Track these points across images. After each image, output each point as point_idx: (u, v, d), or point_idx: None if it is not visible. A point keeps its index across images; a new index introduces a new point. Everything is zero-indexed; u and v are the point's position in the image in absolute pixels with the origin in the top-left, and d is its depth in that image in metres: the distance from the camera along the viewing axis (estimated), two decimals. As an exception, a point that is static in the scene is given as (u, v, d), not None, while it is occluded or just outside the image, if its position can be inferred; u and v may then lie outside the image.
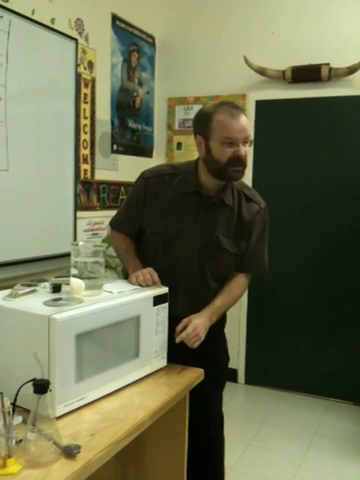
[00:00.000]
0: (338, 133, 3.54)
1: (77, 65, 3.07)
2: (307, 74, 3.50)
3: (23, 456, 1.12)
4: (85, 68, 3.20)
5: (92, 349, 1.45)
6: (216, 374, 1.92)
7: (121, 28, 3.55)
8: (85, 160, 3.26)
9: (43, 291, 1.57)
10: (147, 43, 3.88)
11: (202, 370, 1.75)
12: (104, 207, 3.46)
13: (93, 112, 3.30)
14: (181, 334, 1.74)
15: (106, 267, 2.31)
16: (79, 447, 1.17)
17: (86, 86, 3.21)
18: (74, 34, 3.06)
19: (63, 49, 2.95)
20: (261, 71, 3.60)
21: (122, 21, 3.55)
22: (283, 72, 3.54)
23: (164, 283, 1.76)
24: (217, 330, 1.94)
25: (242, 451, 2.91)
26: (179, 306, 1.81)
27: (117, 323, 1.52)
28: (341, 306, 3.60)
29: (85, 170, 3.27)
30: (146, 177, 1.91)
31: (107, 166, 3.51)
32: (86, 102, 3.22)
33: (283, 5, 3.59)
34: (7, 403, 1.14)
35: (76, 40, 3.05)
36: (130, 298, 1.59)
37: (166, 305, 1.73)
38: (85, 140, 3.24)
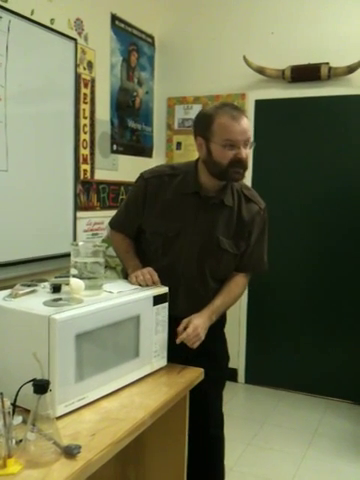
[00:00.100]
0: (338, 132, 3.54)
1: (76, 65, 3.07)
2: (306, 73, 3.50)
3: (23, 456, 1.12)
4: (84, 68, 3.20)
5: (92, 349, 1.45)
6: (216, 374, 1.92)
7: (120, 28, 3.55)
8: (85, 160, 3.26)
9: (43, 291, 1.57)
10: (146, 43, 3.88)
11: (202, 370, 1.75)
12: (104, 207, 3.46)
13: (93, 112, 3.30)
14: (182, 335, 1.74)
15: (106, 267, 2.31)
16: (79, 447, 1.17)
17: (85, 86, 3.21)
18: (73, 34, 3.06)
19: (62, 49, 2.95)
20: (260, 70, 3.60)
21: (121, 21, 3.55)
22: (282, 71, 3.54)
23: (164, 283, 1.76)
24: (217, 330, 1.94)
25: (242, 451, 2.91)
26: (179, 306, 1.82)
27: (117, 323, 1.52)
28: (341, 306, 3.60)
29: (85, 170, 3.27)
30: (145, 178, 1.91)
31: (107, 166, 3.51)
32: (86, 102, 3.22)
33: (282, 5, 3.59)
34: (7, 403, 1.14)
35: (75, 40, 3.05)
36: (130, 298, 1.60)
37: (166, 305, 1.73)
38: (85, 140, 3.24)
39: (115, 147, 3.59)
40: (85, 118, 3.23)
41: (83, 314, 1.40)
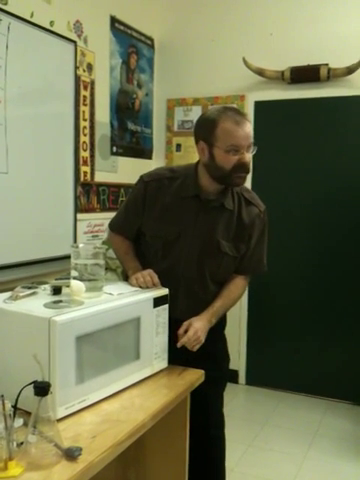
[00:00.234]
0: (337, 133, 3.54)
1: (76, 67, 3.08)
2: (306, 74, 3.50)
3: (24, 459, 1.12)
4: (84, 70, 3.20)
5: (92, 351, 1.45)
6: (216, 375, 1.92)
7: (120, 30, 3.56)
8: (85, 162, 3.26)
9: (43, 293, 1.58)
10: (146, 45, 3.89)
11: (203, 371, 1.76)
12: (104, 209, 3.46)
13: (92, 114, 3.31)
14: (182, 339, 1.75)
15: (106, 269, 2.31)
16: (80, 449, 1.17)
17: (85, 88, 3.22)
18: (73, 36, 3.07)
19: (62, 51, 2.96)
20: (260, 72, 3.60)
21: (121, 23, 3.56)
22: (282, 73, 3.54)
23: (164, 286, 1.77)
24: (217, 331, 1.94)
25: (243, 452, 2.91)
26: (178, 308, 1.82)
27: (117, 325, 1.52)
28: (341, 306, 3.60)
29: (85, 172, 3.27)
30: (145, 181, 1.91)
31: (107, 168, 3.51)
32: (85, 104, 3.23)
33: (281, 6, 3.60)
34: (8, 406, 1.15)
35: (75, 42, 3.06)
36: (130, 300, 1.60)
37: (166, 306, 1.73)
38: (85, 142, 3.25)
39: (115, 149, 3.59)
40: (85, 120, 3.23)
41: (84, 316, 1.40)
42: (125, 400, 1.50)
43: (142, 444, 1.73)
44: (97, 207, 3.41)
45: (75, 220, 3.14)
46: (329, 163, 3.58)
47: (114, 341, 1.53)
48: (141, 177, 1.95)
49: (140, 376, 1.64)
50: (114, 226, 2.05)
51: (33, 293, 1.56)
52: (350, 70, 3.38)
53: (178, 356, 1.77)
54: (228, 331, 2.07)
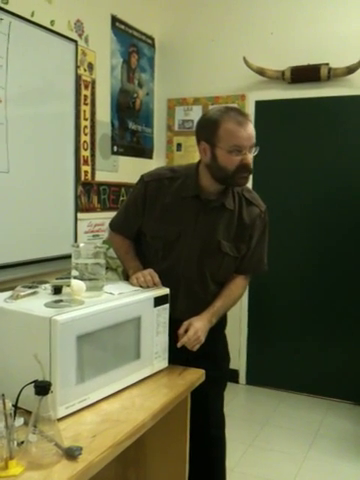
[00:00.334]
0: (338, 133, 3.54)
1: (77, 67, 3.08)
2: (306, 74, 3.50)
3: (25, 458, 1.12)
4: (85, 70, 3.20)
5: (93, 350, 1.45)
6: (217, 375, 1.92)
7: (121, 29, 3.56)
8: (85, 162, 3.26)
9: (44, 293, 1.58)
10: (147, 44, 3.89)
11: (203, 371, 1.76)
12: (104, 208, 3.46)
13: (93, 114, 3.31)
14: (182, 339, 1.74)
15: (107, 268, 2.31)
16: (80, 449, 1.17)
17: (86, 88, 3.22)
18: (74, 36, 3.07)
19: (63, 51, 2.96)
20: (260, 71, 3.60)
21: (122, 22, 3.56)
22: (282, 72, 3.54)
23: (164, 285, 1.76)
24: (217, 331, 1.94)
25: (243, 452, 2.91)
26: (179, 308, 1.82)
27: (118, 324, 1.52)
28: (342, 306, 3.60)
29: (85, 171, 3.27)
30: (145, 181, 1.91)
31: (107, 167, 3.51)
32: (86, 104, 3.23)
33: (282, 5, 3.59)
34: (9, 405, 1.15)
35: (76, 42, 3.06)
36: (131, 299, 1.60)
37: (167, 306, 1.73)
38: (85, 141, 3.25)
39: (115, 148, 3.59)
40: (86, 120, 3.23)
41: (84, 315, 1.40)
42: (125, 400, 1.50)
43: (142, 444, 1.73)
44: (98, 207, 3.41)
45: (76, 219, 3.14)
46: (329, 163, 3.57)
47: (114, 341, 1.53)
48: (142, 177, 1.94)
49: (140, 376, 1.64)
50: (114, 226, 2.05)
51: (34, 292, 1.56)
52: (350, 70, 3.38)
53: (178, 356, 1.77)
54: (228, 331, 2.07)
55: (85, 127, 3.24)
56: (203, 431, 1.94)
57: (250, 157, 1.74)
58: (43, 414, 1.14)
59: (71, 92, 3.04)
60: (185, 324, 1.78)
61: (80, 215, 3.19)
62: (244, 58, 3.59)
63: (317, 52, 3.46)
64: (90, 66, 3.25)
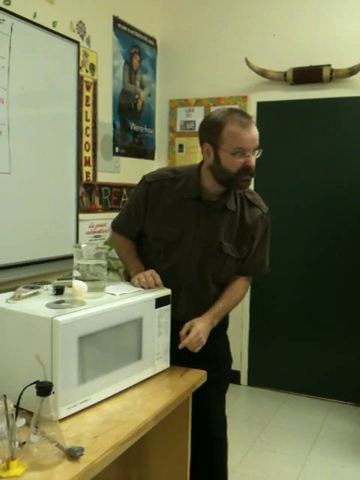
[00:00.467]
0: (340, 134, 3.54)
1: (79, 68, 3.08)
2: (308, 75, 3.50)
3: (26, 458, 1.12)
4: (87, 71, 3.20)
5: (95, 351, 1.45)
6: (218, 376, 1.92)
7: (122, 31, 3.56)
8: (87, 162, 3.27)
9: (46, 293, 1.58)
10: (148, 45, 3.89)
11: (205, 372, 1.75)
12: (106, 209, 3.47)
13: (95, 115, 3.31)
14: (184, 340, 1.74)
15: (108, 269, 2.30)
16: (82, 449, 1.17)
17: (88, 89, 3.22)
18: (76, 37, 3.07)
19: (65, 52, 2.96)
20: (262, 73, 3.60)
21: (123, 24, 3.56)
22: (284, 73, 3.54)
23: (165, 287, 1.76)
24: (219, 332, 1.94)
25: (244, 453, 2.91)
26: (180, 310, 1.82)
27: (119, 325, 1.52)
28: (343, 308, 3.60)
29: (87, 172, 3.27)
30: (147, 182, 1.90)
31: (109, 168, 3.51)
32: (88, 105, 3.23)
33: (284, 6, 3.60)
34: (10, 405, 1.15)
35: (78, 43, 3.06)
36: (132, 300, 1.60)
37: (168, 307, 1.73)
38: (87, 142, 3.25)
39: (117, 149, 3.59)
40: (87, 121, 3.24)
41: (86, 316, 1.40)
42: (127, 400, 1.50)
43: (144, 445, 1.73)
44: (99, 207, 3.41)
45: (77, 220, 3.14)
46: (331, 164, 3.57)
47: (116, 341, 1.53)
48: (143, 177, 1.94)
49: (142, 376, 1.64)
50: (116, 226, 2.05)
51: (35, 293, 1.56)
52: (353, 71, 3.37)
53: (180, 357, 1.77)
54: (230, 332, 2.07)
55: (87, 128, 3.24)
56: (205, 433, 1.94)
57: (253, 160, 1.74)
58: (45, 415, 1.14)
59: (73, 93, 3.05)
60: (186, 325, 1.78)
61: (82, 216, 3.20)
62: (246, 59, 3.59)
63: (319, 53, 3.46)
64: (92, 67, 3.25)
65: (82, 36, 3.14)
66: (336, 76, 3.42)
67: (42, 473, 1.10)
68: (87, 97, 3.22)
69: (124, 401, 1.50)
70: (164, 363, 1.74)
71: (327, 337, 3.64)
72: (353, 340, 3.56)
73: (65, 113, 3.01)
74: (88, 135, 3.26)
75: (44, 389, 1.15)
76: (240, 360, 3.82)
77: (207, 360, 1.82)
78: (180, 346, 1.75)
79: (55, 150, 2.93)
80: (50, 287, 1.61)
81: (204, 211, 1.85)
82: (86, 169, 3.26)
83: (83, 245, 1.69)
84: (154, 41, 3.95)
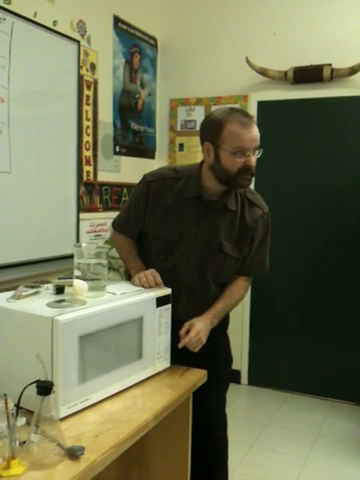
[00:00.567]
0: (340, 133, 3.54)
1: (79, 67, 3.08)
2: (309, 75, 3.50)
3: (27, 458, 1.12)
4: (87, 70, 3.20)
5: (95, 350, 1.45)
6: (218, 376, 1.92)
7: (123, 30, 3.56)
8: (88, 162, 3.27)
9: (46, 293, 1.58)
10: (149, 45, 3.89)
11: (205, 372, 1.75)
12: (107, 209, 3.46)
13: (95, 114, 3.31)
14: (184, 340, 1.74)
15: (109, 268, 2.31)
16: (83, 448, 1.17)
17: (88, 88, 3.22)
18: (76, 36, 3.07)
19: (65, 51, 2.96)
20: (263, 72, 3.60)
21: (124, 23, 3.56)
22: (285, 73, 3.54)
23: (165, 286, 1.76)
24: (219, 332, 1.94)
25: (245, 452, 2.91)
26: (180, 309, 1.82)
27: (120, 324, 1.52)
28: (343, 307, 3.60)
29: (88, 172, 3.27)
30: (148, 181, 1.90)
31: (109, 168, 3.51)
32: (88, 104, 3.23)
33: (284, 6, 3.59)
34: (11, 405, 1.15)
35: (78, 42, 3.06)
36: (133, 299, 1.60)
37: (169, 306, 1.73)
38: (87, 142, 3.25)
39: (118, 149, 3.59)
40: (88, 120, 3.24)
41: (86, 315, 1.40)
42: (127, 400, 1.50)
43: (144, 444, 1.73)
44: (100, 207, 3.41)
45: (78, 219, 3.14)
46: (332, 163, 3.57)
47: (117, 341, 1.53)
48: (144, 177, 1.94)
49: (142, 376, 1.64)
50: (117, 225, 2.05)
51: (36, 292, 1.56)
52: (353, 70, 3.37)
53: (180, 357, 1.77)
54: (230, 331, 2.07)
55: (87, 127, 3.24)
56: (205, 432, 1.94)
57: (253, 159, 1.73)
58: (45, 414, 1.14)
59: (73, 92, 3.05)
60: (186, 325, 1.78)
61: (82, 215, 3.19)
62: (246, 58, 3.59)
63: (320, 52, 3.46)
64: (92, 66, 3.25)
65: (82, 35, 3.14)
66: (337, 75, 3.42)
67: (43, 472, 1.10)
68: (87, 96, 3.22)
69: (124, 400, 1.50)
70: (164, 362, 1.74)
71: (327, 337, 3.64)
72: (353, 340, 3.56)
73: (65, 112, 3.00)
74: (88, 134, 3.25)
75: (44, 388, 1.15)
76: (240, 359, 3.82)
77: (207, 360, 1.83)
78: (180, 345, 1.74)
79: (55, 149, 2.93)
80: (51, 286, 1.61)
81: (204, 211, 1.85)
82: (86, 168, 3.26)
83: (84, 244, 1.69)
84: (154, 40, 3.95)
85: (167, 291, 1.73)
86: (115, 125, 3.55)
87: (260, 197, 1.95)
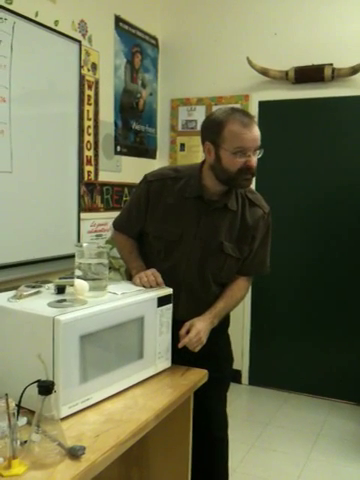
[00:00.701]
0: (342, 133, 3.54)
1: (81, 67, 3.08)
2: (310, 74, 3.50)
3: (28, 457, 1.13)
4: (88, 70, 3.20)
5: (96, 350, 1.45)
6: (218, 376, 1.92)
7: (124, 30, 3.56)
8: (89, 162, 3.27)
9: (47, 292, 1.58)
10: (150, 44, 3.89)
11: (206, 371, 1.75)
12: (108, 208, 3.47)
13: (96, 114, 3.31)
14: (184, 340, 1.74)
15: (110, 268, 2.31)
16: (84, 448, 1.17)
17: (89, 88, 3.22)
18: (77, 36, 3.07)
19: (66, 51, 2.96)
20: (264, 72, 3.60)
21: (125, 23, 3.56)
22: (286, 73, 3.54)
23: (166, 286, 1.76)
24: (220, 332, 1.94)
25: (245, 452, 2.91)
26: (180, 309, 1.82)
27: (121, 324, 1.53)
28: (344, 307, 3.60)
29: (89, 171, 3.27)
30: (149, 180, 1.90)
31: (110, 167, 3.51)
32: (89, 104, 3.23)
33: (286, 5, 3.59)
34: (12, 404, 1.15)
35: (79, 42, 3.06)
36: (134, 299, 1.60)
37: (170, 306, 1.73)
38: (89, 142, 3.25)
39: (119, 148, 3.59)
40: (89, 120, 3.24)
41: (87, 315, 1.40)
42: (128, 399, 1.50)
43: (145, 444, 1.74)
44: (101, 206, 3.41)
45: (79, 219, 3.14)
46: (333, 163, 3.57)
47: (117, 340, 1.53)
48: (145, 176, 1.94)
49: (143, 375, 1.64)
50: (118, 225, 2.05)
51: (37, 292, 1.56)
52: (354, 70, 3.37)
53: (180, 356, 1.77)
54: (231, 331, 2.07)
55: (88, 127, 3.24)
56: (206, 432, 1.94)
57: (254, 160, 1.73)
58: (46, 414, 1.14)
59: (74, 92, 3.05)
60: (187, 325, 1.78)
61: (83, 215, 3.20)
62: (248, 58, 3.59)
63: (321, 52, 3.46)
64: (94, 66, 3.25)
65: (84, 35, 3.14)
66: (338, 75, 3.42)
67: (43, 472, 1.10)
68: (89, 96, 3.22)
69: (125, 400, 1.50)
70: (165, 362, 1.74)
71: (327, 337, 3.64)
72: (353, 340, 3.56)
73: (67, 112, 3.00)
74: (90, 134, 3.26)
75: (45, 388, 1.15)
76: (241, 359, 3.82)
77: (208, 359, 1.83)
78: (180, 345, 1.74)
79: (56, 149, 2.93)
80: (52, 286, 1.61)
81: (205, 210, 1.85)
82: (87, 168, 3.26)
83: (85, 244, 1.69)
84: (156, 40, 3.95)
85: (168, 291, 1.73)
86: (116, 125, 3.55)
87: (261, 197, 1.95)
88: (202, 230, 1.85)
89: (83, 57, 3.12)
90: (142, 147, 3.88)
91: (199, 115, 3.82)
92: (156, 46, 3.96)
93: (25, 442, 1.16)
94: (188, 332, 1.76)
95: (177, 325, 1.76)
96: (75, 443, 1.19)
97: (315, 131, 3.60)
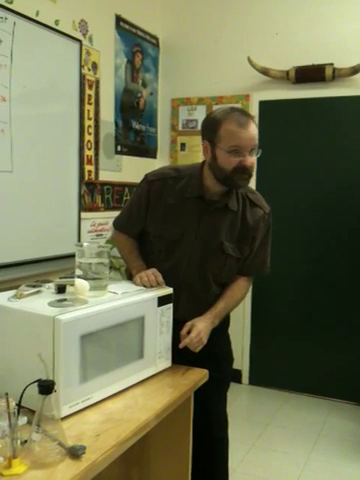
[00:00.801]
0: (342, 133, 3.53)
1: (81, 66, 3.08)
2: (311, 74, 3.50)
3: (28, 457, 1.13)
4: (89, 69, 3.20)
5: (96, 350, 1.45)
6: (219, 376, 1.92)
7: (125, 29, 3.56)
8: (89, 161, 3.27)
9: (48, 292, 1.58)
10: (151, 44, 3.89)
11: (206, 371, 1.76)
12: (108, 208, 3.46)
13: (97, 113, 3.31)
14: (185, 340, 1.74)
15: (110, 268, 2.31)
16: (84, 448, 1.17)
17: (90, 87, 3.22)
18: (78, 35, 3.07)
19: (67, 50, 2.96)
20: (265, 71, 3.60)
21: (126, 22, 3.56)
22: (287, 72, 3.54)
23: (166, 286, 1.76)
24: (220, 332, 1.93)
25: (245, 452, 2.91)
26: (180, 309, 1.82)
27: (121, 324, 1.53)
28: (344, 307, 3.60)
29: (89, 171, 3.27)
30: (149, 180, 1.90)
31: (111, 167, 3.51)
32: (90, 103, 3.23)
33: (286, 5, 3.59)
34: (12, 404, 1.15)
35: (80, 41, 3.06)
36: (134, 299, 1.60)
37: (170, 306, 1.73)
38: (89, 141, 3.25)
39: (119, 148, 3.59)
40: (89, 119, 3.24)
41: (88, 315, 1.40)
42: (129, 399, 1.50)
43: (145, 443, 1.74)
44: (101, 206, 3.41)
45: (79, 219, 3.14)
46: (334, 163, 3.57)
47: (118, 340, 1.53)
48: (145, 176, 1.94)
49: (144, 375, 1.64)
50: (118, 224, 2.05)
51: (37, 292, 1.56)
52: (355, 70, 3.37)
53: (181, 356, 1.77)
54: (231, 331, 2.07)
55: (89, 127, 3.24)
56: (206, 432, 1.94)
57: (250, 159, 1.73)
58: (46, 413, 1.14)
59: (75, 92, 3.05)
60: (187, 325, 1.78)
61: (84, 214, 3.20)
62: (248, 58, 3.58)
63: (322, 52, 3.46)
64: (94, 66, 3.25)
65: (84, 34, 3.14)
66: (339, 75, 3.42)
67: (44, 471, 1.10)
68: (89, 96, 3.22)
69: (126, 400, 1.50)
70: (166, 362, 1.74)
71: (327, 337, 3.64)
72: (353, 340, 3.56)
73: (67, 112, 3.00)
74: (90, 134, 3.25)
75: (46, 387, 1.15)
76: (241, 359, 3.82)
77: (208, 359, 1.83)
78: (181, 345, 1.75)
79: (57, 149, 2.93)
80: (52, 285, 1.62)
81: (205, 210, 1.85)
82: (88, 168, 3.26)
83: (85, 244, 1.69)
84: (156, 40, 3.94)
85: (168, 291, 1.73)
86: (117, 124, 3.55)
87: (261, 197, 1.95)
88: (203, 230, 1.85)
89: (84, 57, 3.12)
90: (142, 147, 3.88)
91: (200, 115, 3.82)
92: (157, 46, 3.96)
93: (25, 441, 1.15)
94: (189, 332, 1.76)
95: (177, 325, 1.76)
96: (75, 443, 1.19)
97: (315, 131, 3.60)
